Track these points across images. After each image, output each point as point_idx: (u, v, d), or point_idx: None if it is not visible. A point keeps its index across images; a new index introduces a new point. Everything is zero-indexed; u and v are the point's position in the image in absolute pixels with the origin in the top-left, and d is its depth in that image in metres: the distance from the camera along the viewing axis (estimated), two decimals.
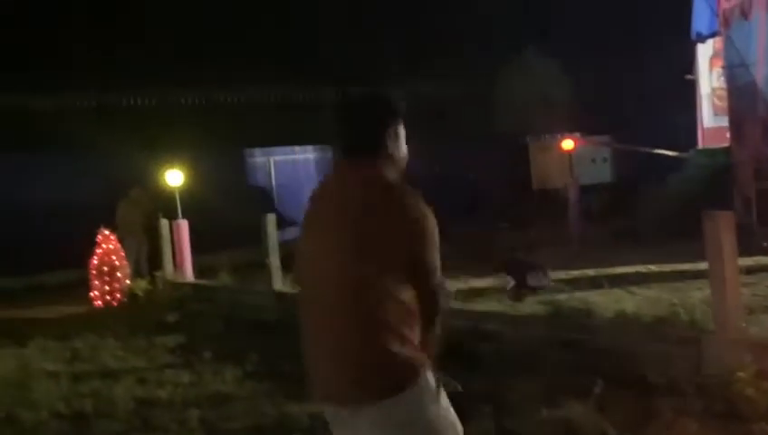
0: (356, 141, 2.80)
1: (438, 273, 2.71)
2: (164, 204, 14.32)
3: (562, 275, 10.65)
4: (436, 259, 2.71)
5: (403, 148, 2.86)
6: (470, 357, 6.11)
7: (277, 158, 22.28)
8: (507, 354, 6.09)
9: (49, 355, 8.54)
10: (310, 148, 22.40)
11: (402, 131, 2.86)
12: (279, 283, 10.53)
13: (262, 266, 10.78)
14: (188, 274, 13.50)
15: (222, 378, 6.80)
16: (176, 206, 13.92)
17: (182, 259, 13.59)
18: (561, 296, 7.98)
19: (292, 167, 22.38)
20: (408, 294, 2.66)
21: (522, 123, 22.42)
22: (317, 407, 2.73)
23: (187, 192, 14.29)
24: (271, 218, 10.79)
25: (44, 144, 17.25)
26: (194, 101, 20.82)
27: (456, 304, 7.80)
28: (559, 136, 20.38)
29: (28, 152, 17.25)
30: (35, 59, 17.83)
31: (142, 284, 13.40)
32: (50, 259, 15.45)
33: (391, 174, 2.77)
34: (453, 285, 9.81)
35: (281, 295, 9.98)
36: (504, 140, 22.33)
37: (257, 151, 21.99)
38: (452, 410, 2.71)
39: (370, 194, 2.71)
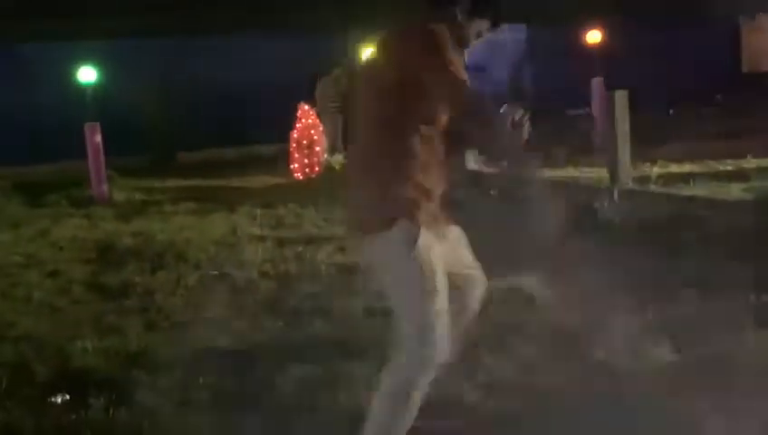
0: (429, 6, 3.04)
1: None
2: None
3: None
4: None
5: (473, 35, 3.04)
6: (674, 241, 5.93)
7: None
8: (713, 240, 5.84)
9: (256, 221, 9.06)
10: (521, 27, 21.64)
11: (479, 23, 3.03)
12: (472, 162, 10.52)
13: None
14: None
15: None
16: None
17: None
18: None
19: (502, 47, 21.86)
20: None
21: (734, 1, 20.81)
22: None
23: None
24: None
25: (254, 25, 17.87)
26: None
27: (660, 189, 7.54)
28: None
29: (240, 32, 17.97)
30: None
31: (339, 158, 13.81)
32: (258, 132, 16.39)
33: None
34: (653, 170, 9.46)
35: (474, 174, 9.99)
36: (715, 18, 20.83)
37: None
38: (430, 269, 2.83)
39: None
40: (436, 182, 2.95)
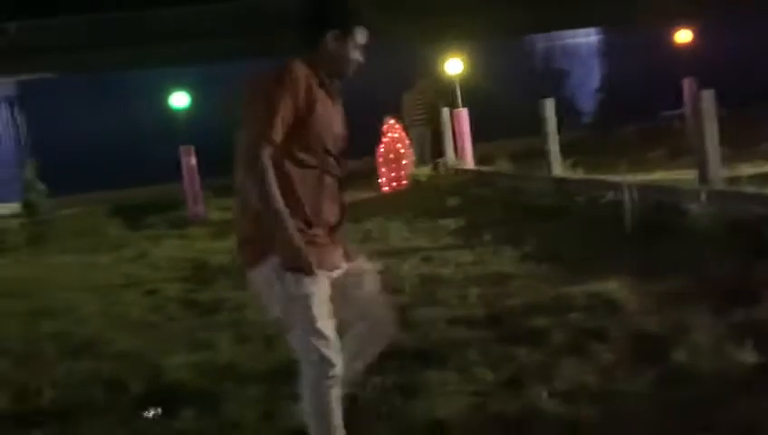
0: (302, 39, 3.03)
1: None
2: (448, 93, 14.61)
3: None
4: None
5: (350, 52, 3.02)
6: (761, 243, 5.76)
7: (559, 42, 21.72)
8: None
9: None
10: (592, 31, 21.57)
11: (354, 37, 3.01)
12: (558, 169, 10.44)
13: (541, 154, 10.69)
14: (469, 160, 13.80)
15: (501, 259, 6.96)
16: (456, 95, 14.16)
17: (463, 147, 13.89)
18: None
19: (575, 51, 21.74)
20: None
21: None
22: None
23: (468, 81, 14.47)
24: (549, 103, 10.58)
25: None
26: None
27: (751, 190, 7.31)
28: None
29: None
30: None
31: (425, 170, 13.91)
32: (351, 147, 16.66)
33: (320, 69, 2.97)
34: (746, 170, 9.18)
35: (560, 181, 9.92)
36: None
37: (539, 37, 21.55)
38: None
39: None
40: (320, 211, 3.05)
